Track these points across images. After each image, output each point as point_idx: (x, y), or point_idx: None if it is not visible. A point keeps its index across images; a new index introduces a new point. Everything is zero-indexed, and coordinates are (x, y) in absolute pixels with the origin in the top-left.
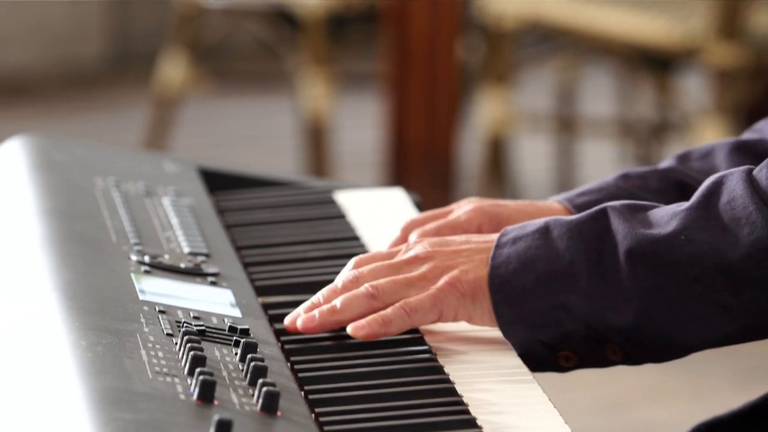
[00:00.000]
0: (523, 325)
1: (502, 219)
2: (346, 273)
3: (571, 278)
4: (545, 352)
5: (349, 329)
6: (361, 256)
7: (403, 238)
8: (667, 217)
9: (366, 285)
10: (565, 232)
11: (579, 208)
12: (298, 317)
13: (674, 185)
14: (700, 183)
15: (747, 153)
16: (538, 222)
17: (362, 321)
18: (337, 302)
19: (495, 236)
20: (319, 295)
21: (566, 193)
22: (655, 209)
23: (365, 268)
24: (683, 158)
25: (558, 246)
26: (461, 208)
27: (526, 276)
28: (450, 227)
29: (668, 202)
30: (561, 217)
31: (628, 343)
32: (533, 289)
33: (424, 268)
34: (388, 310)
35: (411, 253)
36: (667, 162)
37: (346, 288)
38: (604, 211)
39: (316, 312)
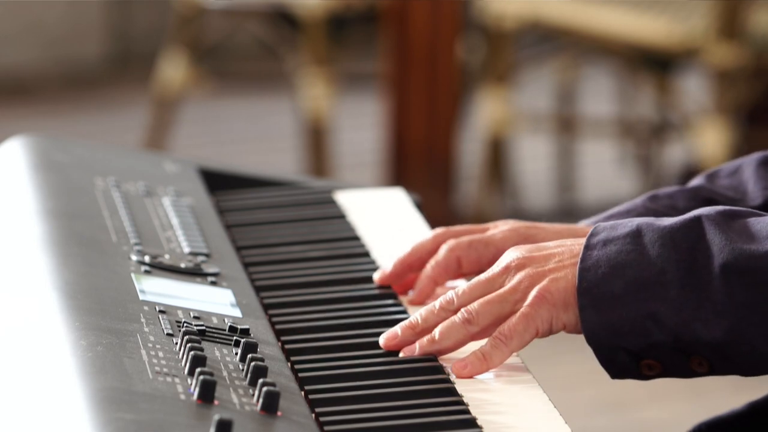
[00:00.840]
0: (609, 332)
1: (537, 240)
2: (445, 294)
3: (661, 287)
4: (628, 360)
5: (453, 370)
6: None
7: (434, 244)
8: (766, 230)
9: (462, 311)
10: (658, 239)
11: None
12: (396, 339)
13: (703, 203)
14: (728, 199)
15: None
16: (630, 224)
17: (463, 361)
18: (436, 332)
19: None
20: (418, 316)
21: (595, 217)
22: (753, 219)
23: (461, 287)
24: (712, 176)
25: (649, 252)
26: (497, 228)
27: (615, 282)
28: (484, 243)
29: None
30: (653, 220)
31: (716, 356)
32: (622, 295)
33: (515, 280)
34: (486, 346)
35: (503, 264)
36: (695, 181)
37: (443, 308)
38: (698, 219)
39: (416, 344)
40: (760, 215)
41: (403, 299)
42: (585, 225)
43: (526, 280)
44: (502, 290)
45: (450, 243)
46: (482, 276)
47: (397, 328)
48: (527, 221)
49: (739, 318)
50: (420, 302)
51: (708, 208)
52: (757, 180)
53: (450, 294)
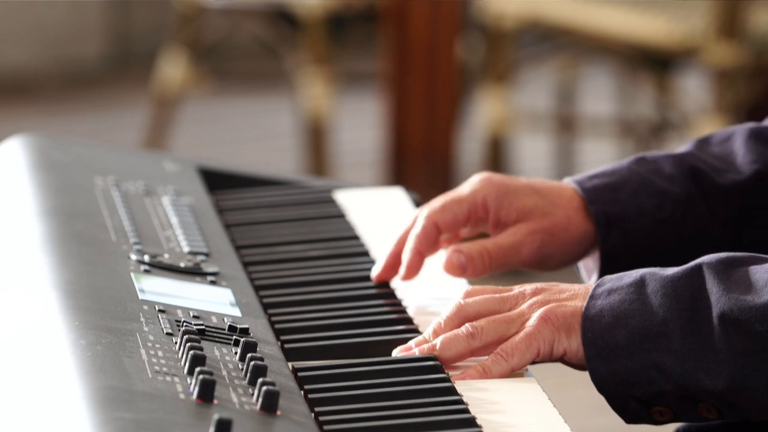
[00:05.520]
0: (616, 381)
1: (510, 190)
2: (452, 303)
3: (664, 337)
4: (639, 407)
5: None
6: (473, 287)
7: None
8: (762, 281)
9: (467, 325)
10: (660, 288)
11: (588, 191)
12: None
13: (687, 171)
14: (714, 169)
15: (764, 140)
16: (635, 274)
17: (463, 373)
18: (438, 342)
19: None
20: (428, 331)
21: (578, 176)
22: (754, 267)
23: (470, 299)
24: (703, 143)
25: (652, 302)
26: (469, 180)
27: (619, 332)
28: (456, 201)
29: (680, 189)
30: (658, 270)
31: (721, 404)
32: (626, 346)
33: (526, 304)
34: (488, 361)
35: (521, 289)
36: (685, 146)
37: (450, 319)
38: (699, 267)
39: (416, 350)
40: (761, 260)
41: (402, 298)
42: (567, 181)
43: (536, 305)
44: (511, 312)
45: (423, 211)
46: (497, 293)
47: (411, 343)
48: (501, 174)
49: (739, 367)
50: (410, 277)
51: (710, 256)
52: (746, 152)
53: (457, 303)
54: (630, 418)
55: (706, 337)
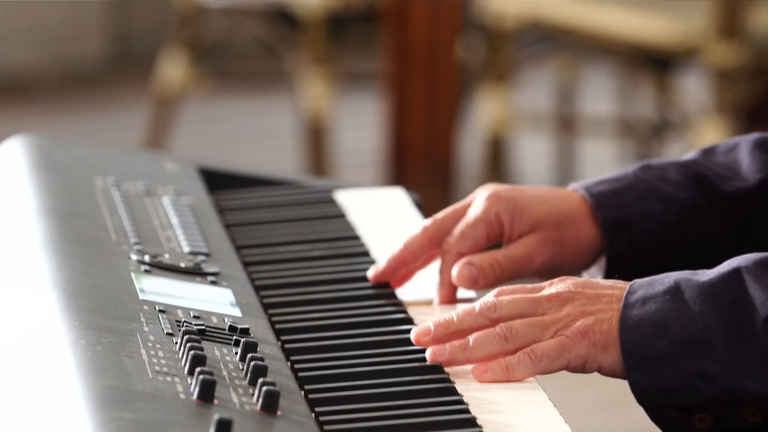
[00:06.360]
0: (658, 392)
1: (518, 203)
2: (486, 299)
3: (707, 344)
4: (679, 415)
5: (473, 371)
6: (505, 286)
7: (424, 237)
8: None
9: (501, 325)
10: (698, 295)
11: (596, 197)
12: (428, 335)
13: (693, 178)
14: (719, 176)
15: None
16: (668, 280)
17: (486, 365)
18: (471, 339)
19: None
20: (454, 315)
21: (585, 182)
22: None
23: (505, 298)
24: (708, 152)
25: (691, 309)
26: (477, 198)
27: (660, 341)
28: (472, 225)
29: (686, 195)
30: (690, 275)
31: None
32: (668, 355)
33: (562, 312)
34: (513, 357)
35: (553, 290)
36: (691, 154)
37: (482, 314)
38: (737, 272)
39: (447, 346)
40: None
41: (403, 298)
42: (573, 188)
43: (573, 314)
44: (546, 317)
45: (444, 246)
46: (528, 294)
47: (431, 324)
48: (506, 185)
49: None
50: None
51: (745, 258)
52: (751, 161)
53: (491, 300)
54: (669, 426)
55: (750, 342)
